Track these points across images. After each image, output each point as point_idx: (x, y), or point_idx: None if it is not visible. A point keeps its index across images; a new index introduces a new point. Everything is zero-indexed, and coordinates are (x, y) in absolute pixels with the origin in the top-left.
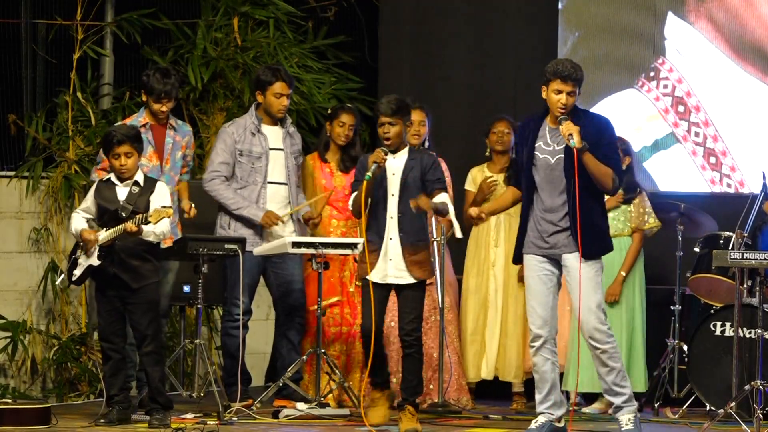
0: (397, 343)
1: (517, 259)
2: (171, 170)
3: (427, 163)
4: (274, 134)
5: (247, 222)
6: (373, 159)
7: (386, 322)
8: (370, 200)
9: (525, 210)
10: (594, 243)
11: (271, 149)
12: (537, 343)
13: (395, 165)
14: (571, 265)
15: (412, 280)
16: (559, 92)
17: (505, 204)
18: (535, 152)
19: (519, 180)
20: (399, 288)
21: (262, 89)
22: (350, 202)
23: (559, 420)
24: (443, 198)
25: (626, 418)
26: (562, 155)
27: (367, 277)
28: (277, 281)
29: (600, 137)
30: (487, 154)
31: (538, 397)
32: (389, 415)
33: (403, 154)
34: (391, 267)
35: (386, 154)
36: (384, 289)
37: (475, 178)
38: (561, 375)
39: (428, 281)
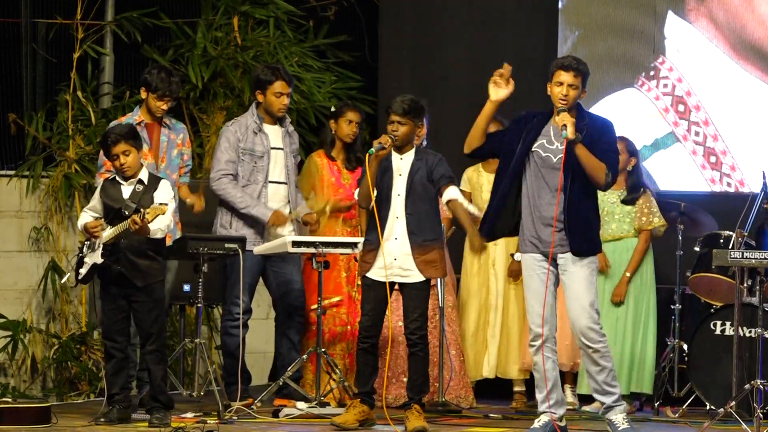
0: (405, 342)
1: (488, 235)
2: (167, 168)
3: (433, 161)
4: (274, 133)
5: (248, 221)
6: (380, 140)
7: (394, 322)
8: (374, 194)
9: (509, 197)
10: (586, 241)
11: (272, 148)
12: (537, 343)
13: (401, 165)
14: (566, 264)
15: (417, 279)
16: (560, 84)
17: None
18: (536, 149)
19: (489, 145)
20: (403, 287)
21: (262, 88)
22: (356, 192)
23: (560, 419)
24: (453, 194)
25: (620, 417)
26: (564, 154)
27: (367, 275)
28: (277, 281)
29: (600, 136)
30: None
31: (539, 396)
32: (355, 425)
33: (410, 155)
34: (396, 266)
35: (393, 142)
36: (384, 288)
37: (470, 178)
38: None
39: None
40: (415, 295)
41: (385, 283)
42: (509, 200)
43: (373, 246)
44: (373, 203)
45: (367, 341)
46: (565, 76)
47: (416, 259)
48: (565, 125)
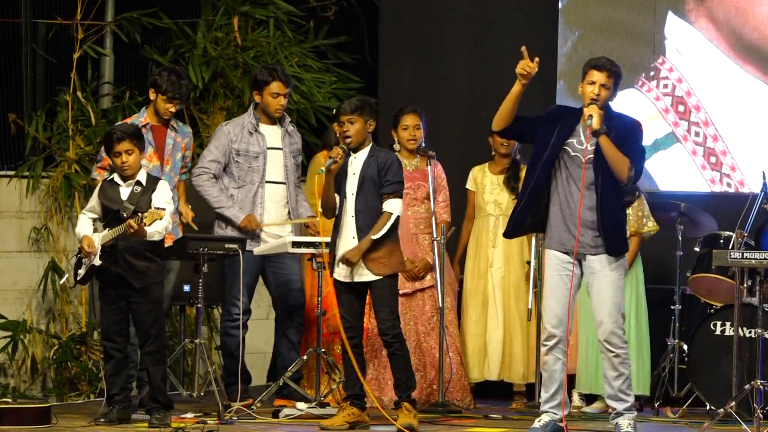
0: (408, 342)
1: (510, 233)
2: (171, 171)
3: (383, 161)
4: (272, 133)
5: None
6: (331, 154)
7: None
8: (338, 199)
9: (539, 194)
10: (619, 240)
11: (269, 148)
12: (551, 343)
13: (356, 164)
14: (595, 266)
15: (373, 277)
16: (593, 83)
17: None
18: (567, 147)
19: (520, 127)
20: (369, 287)
21: (259, 89)
22: (319, 205)
23: (561, 420)
24: (389, 207)
25: (626, 422)
26: (593, 155)
27: (335, 276)
28: (276, 281)
29: (627, 135)
30: (493, 153)
31: (544, 395)
32: (344, 427)
33: (364, 153)
34: (356, 265)
35: (345, 152)
36: (354, 288)
37: (476, 177)
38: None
39: (428, 283)
40: (381, 294)
41: (352, 283)
42: (538, 197)
43: (332, 247)
44: (337, 211)
45: (351, 341)
46: (598, 76)
47: (365, 255)
48: (591, 115)
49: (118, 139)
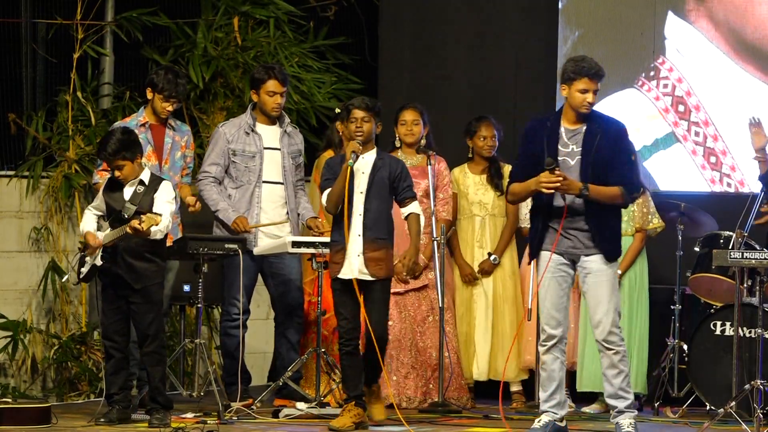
0: (402, 342)
1: (533, 255)
2: (170, 170)
3: (396, 168)
4: (270, 133)
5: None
6: (351, 149)
7: (393, 323)
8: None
9: (542, 208)
10: (613, 244)
11: (266, 148)
12: (550, 343)
13: (363, 163)
14: (589, 267)
15: (371, 278)
16: (586, 91)
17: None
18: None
19: (524, 178)
20: (365, 289)
21: (256, 88)
22: (323, 199)
23: (561, 420)
24: (414, 208)
25: (627, 422)
26: (580, 156)
27: (339, 276)
28: (275, 281)
29: (616, 144)
30: (470, 155)
31: (542, 395)
32: (352, 428)
33: (371, 154)
34: (360, 263)
35: (360, 144)
36: (351, 289)
37: (457, 179)
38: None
39: (421, 283)
40: (374, 298)
41: (350, 283)
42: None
43: (340, 245)
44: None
45: (350, 344)
46: (591, 85)
47: (365, 254)
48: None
49: (105, 160)
